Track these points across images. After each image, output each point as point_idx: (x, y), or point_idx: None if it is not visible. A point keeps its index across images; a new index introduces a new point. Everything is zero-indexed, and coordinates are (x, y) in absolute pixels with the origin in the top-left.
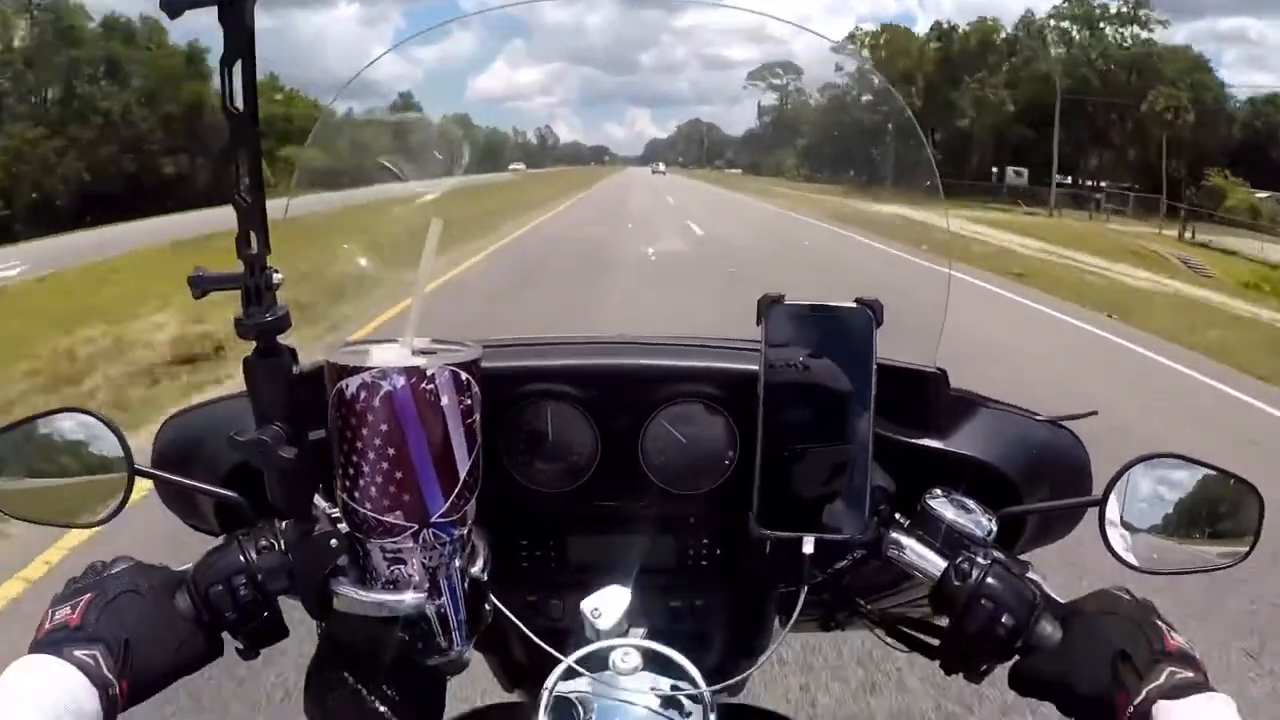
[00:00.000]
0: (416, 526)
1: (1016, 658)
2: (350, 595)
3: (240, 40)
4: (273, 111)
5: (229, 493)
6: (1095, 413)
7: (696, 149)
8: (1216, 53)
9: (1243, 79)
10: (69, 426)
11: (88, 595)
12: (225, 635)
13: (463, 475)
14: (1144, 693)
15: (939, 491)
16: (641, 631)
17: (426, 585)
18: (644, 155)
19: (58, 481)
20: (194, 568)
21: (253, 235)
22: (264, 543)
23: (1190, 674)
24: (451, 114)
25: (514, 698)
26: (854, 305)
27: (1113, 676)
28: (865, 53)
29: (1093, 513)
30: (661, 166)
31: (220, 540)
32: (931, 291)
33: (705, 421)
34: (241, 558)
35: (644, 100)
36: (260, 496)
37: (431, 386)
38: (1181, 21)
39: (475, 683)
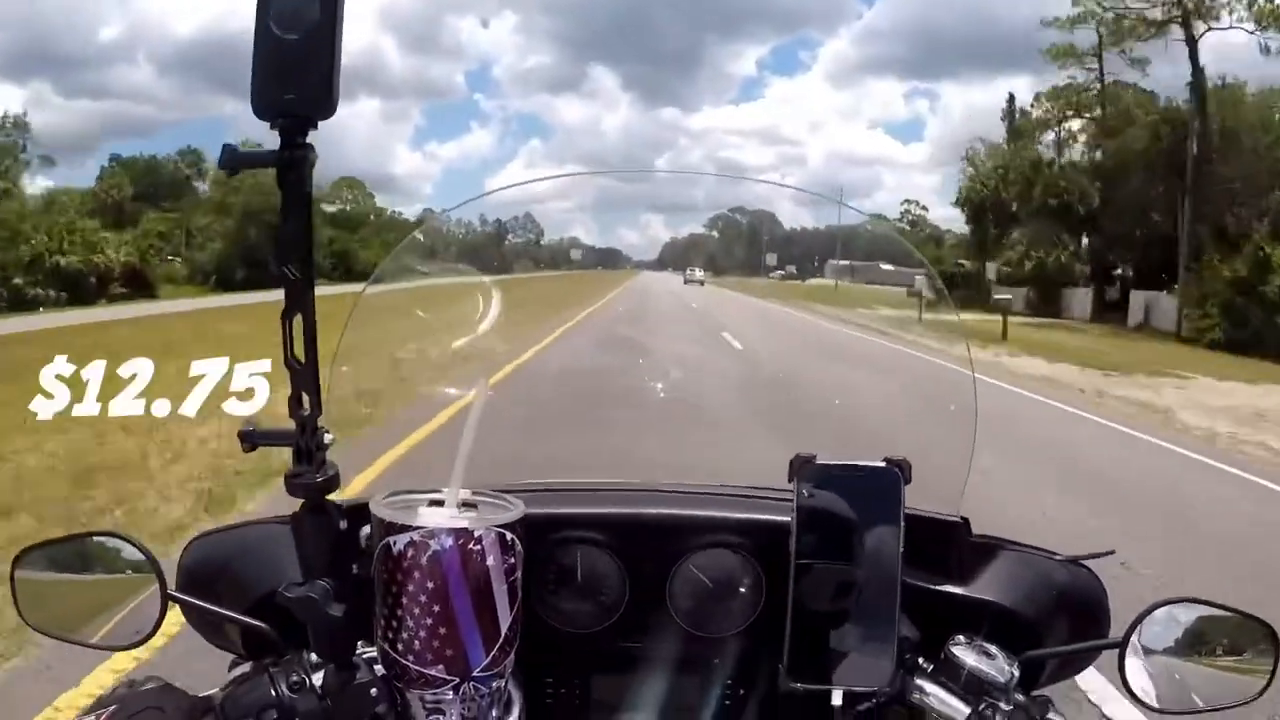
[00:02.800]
0: (458, 680)
1: None
2: None
3: (298, 204)
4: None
5: (258, 623)
6: (1113, 551)
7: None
8: None
9: None
10: (103, 548)
11: (111, 709)
12: None
13: (504, 631)
14: None
15: (962, 638)
16: None
17: None
18: (660, 258)
19: (91, 600)
20: (222, 695)
21: (305, 396)
22: (295, 679)
23: None
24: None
25: None
26: (883, 465)
27: None
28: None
29: (1112, 651)
30: (698, 273)
31: (247, 667)
32: (956, 444)
33: (733, 567)
34: (273, 692)
35: (659, 206)
36: (289, 625)
37: (478, 548)
38: None
39: None
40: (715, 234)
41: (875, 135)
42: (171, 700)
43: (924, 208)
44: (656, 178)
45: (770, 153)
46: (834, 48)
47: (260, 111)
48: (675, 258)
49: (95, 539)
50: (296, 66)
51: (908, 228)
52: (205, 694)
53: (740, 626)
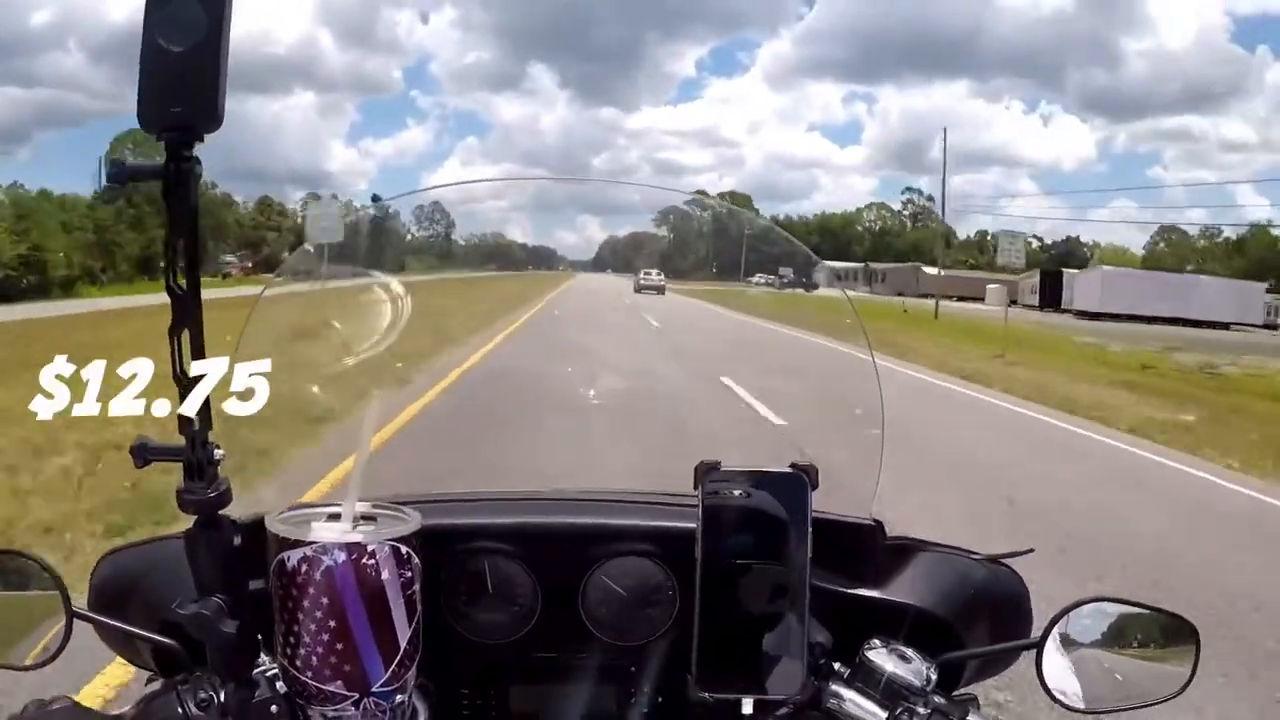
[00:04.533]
0: (357, 695)
1: None
2: None
3: (184, 218)
4: None
5: (167, 640)
6: (1032, 550)
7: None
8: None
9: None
10: (6, 566)
11: None
12: None
13: (403, 645)
14: None
15: (878, 641)
16: None
17: None
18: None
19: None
20: (132, 713)
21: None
22: (203, 696)
23: None
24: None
25: None
26: (789, 470)
27: None
28: None
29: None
30: (655, 276)
31: (158, 685)
32: (866, 446)
33: (645, 575)
34: (180, 710)
35: (596, 207)
36: (198, 642)
37: (372, 562)
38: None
39: None
40: (666, 231)
41: (813, 138)
42: None
43: (930, 198)
44: (591, 180)
45: (709, 154)
46: (773, 49)
47: (146, 124)
48: (616, 258)
49: (2, 557)
50: (183, 79)
51: (909, 220)
52: (116, 713)
53: (655, 634)
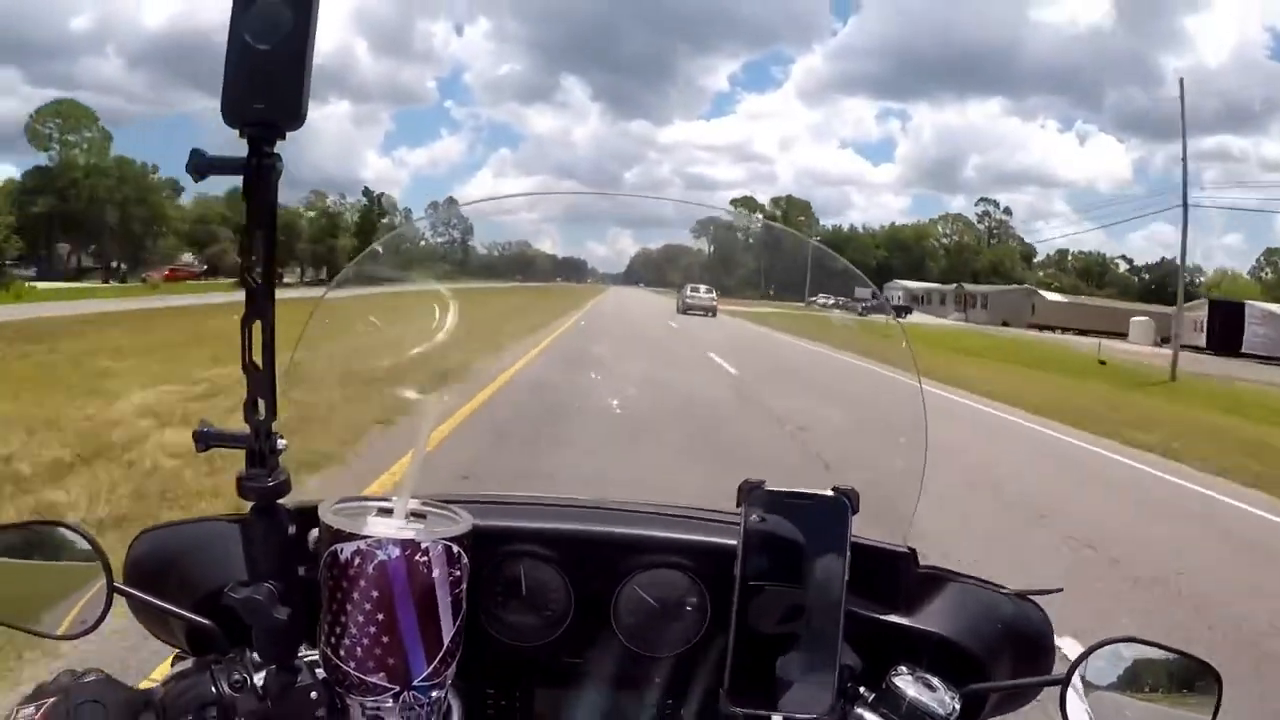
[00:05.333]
0: (398, 688)
1: None
2: None
3: (263, 213)
4: None
5: (204, 620)
6: (1060, 589)
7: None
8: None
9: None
10: (52, 536)
11: (51, 700)
12: None
13: (446, 642)
14: None
15: (904, 668)
16: None
17: None
18: (629, 270)
19: (38, 588)
20: (163, 689)
21: (261, 402)
22: (237, 678)
23: None
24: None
25: None
26: (830, 494)
27: None
28: None
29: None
30: (703, 293)
31: (189, 663)
32: (907, 474)
33: (678, 588)
34: (214, 689)
35: (628, 220)
36: (233, 624)
37: (425, 559)
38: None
39: None
40: (705, 243)
41: (846, 155)
42: (112, 693)
43: (1007, 210)
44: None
45: (741, 169)
46: (807, 64)
47: (230, 119)
48: (648, 271)
49: (44, 527)
50: (268, 76)
51: (986, 233)
52: (146, 687)
53: (683, 647)
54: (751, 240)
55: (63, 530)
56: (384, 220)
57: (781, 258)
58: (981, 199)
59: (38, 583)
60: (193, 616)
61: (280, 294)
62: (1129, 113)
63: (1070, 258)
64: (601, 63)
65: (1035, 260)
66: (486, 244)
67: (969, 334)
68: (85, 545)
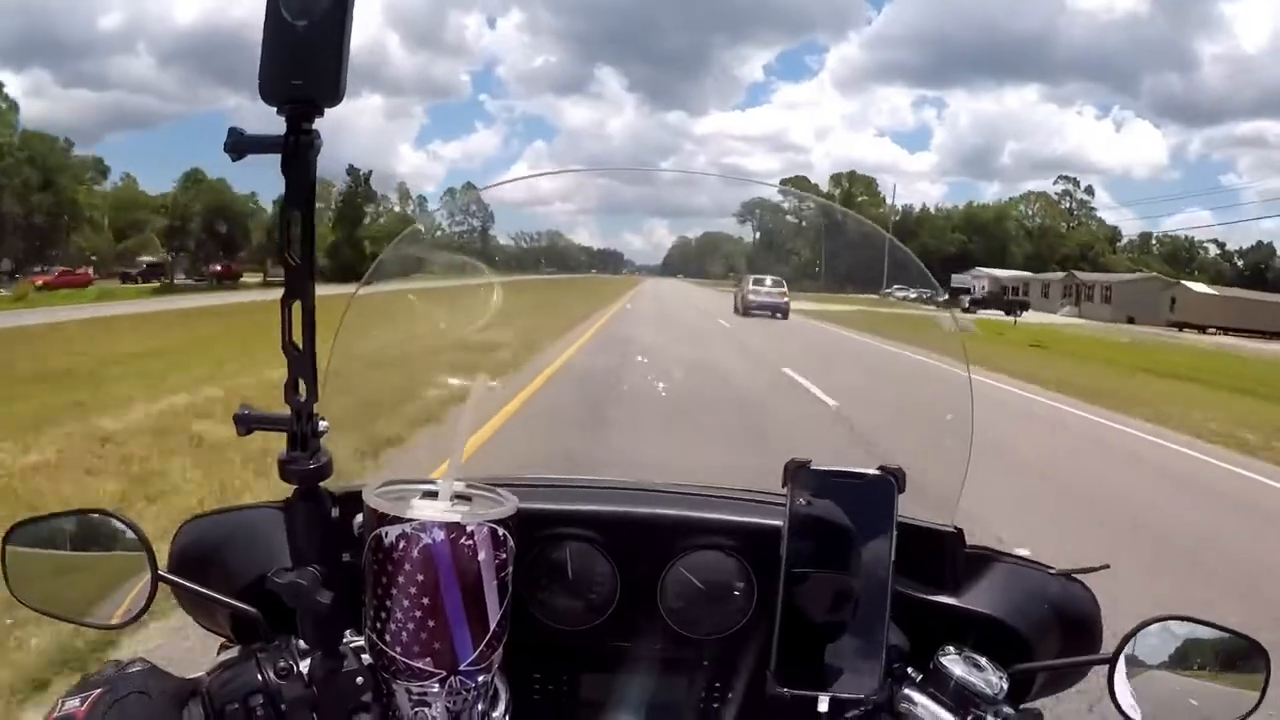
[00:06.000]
0: (445, 673)
1: None
2: None
3: (301, 191)
4: None
5: (248, 607)
6: (1108, 566)
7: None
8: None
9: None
10: (96, 525)
11: (98, 691)
12: None
13: (493, 625)
14: None
15: (952, 649)
16: None
17: None
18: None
19: (83, 578)
20: (208, 678)
21: (301, 383)
22: (283, 664)
23: None
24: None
25: None
26: (877, 473)
27: None
28: None
29: (1103, 666)
30: (768, 287)
31: (235, 652)
32: (951, 450)
33: (724, 570)
34: (259, 677)
35: (664, 210)
36: (278, 611)
37: (470, 542)
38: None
39: None
40: (751, 229)
41: (882, 143)
42: (158, 683)
43: (1089, 190)
44: (660, 181)
45: (777, 159)
46: (841, 53)
47: (268, 96)
48: (688, 262)
49: (88, 516)
50: (306, 53)
51: (1068, 214)
52: (192, 677)
53: (730, 629)
54: (805, 224)
55: (107, 520)
56: (371, 206)
57: (843, 245)
58: (1061, 176)
59: (81, 573)
60: (237, 603)
61: (225, 297)
62: (1166, 98)
63: (1155, 241)
64: (636, 54)
65: (1119, 244)
66: (514, 234)
67: (1111, 338)
68: (130, 534)
